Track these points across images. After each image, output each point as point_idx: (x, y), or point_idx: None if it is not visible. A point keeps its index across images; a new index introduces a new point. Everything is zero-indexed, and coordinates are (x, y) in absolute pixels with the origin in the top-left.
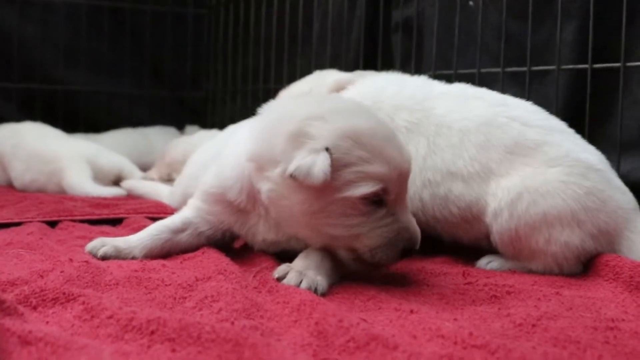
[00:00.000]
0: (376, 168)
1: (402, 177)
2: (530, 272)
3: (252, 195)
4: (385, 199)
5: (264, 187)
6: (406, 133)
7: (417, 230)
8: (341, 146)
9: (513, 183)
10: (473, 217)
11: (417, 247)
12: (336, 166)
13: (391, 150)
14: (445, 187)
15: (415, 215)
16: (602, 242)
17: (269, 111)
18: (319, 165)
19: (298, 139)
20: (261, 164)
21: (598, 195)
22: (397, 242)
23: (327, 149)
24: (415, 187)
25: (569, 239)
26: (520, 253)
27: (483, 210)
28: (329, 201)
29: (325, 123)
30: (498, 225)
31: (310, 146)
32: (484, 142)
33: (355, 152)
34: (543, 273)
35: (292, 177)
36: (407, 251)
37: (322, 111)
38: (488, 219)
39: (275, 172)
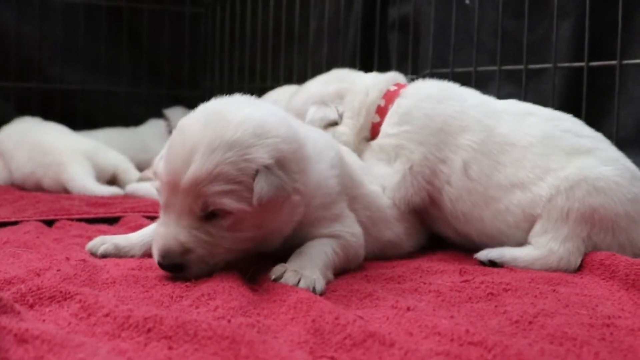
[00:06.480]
0: None
1: None
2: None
3: None
4: None
5: None
6: (472, 152)
7: None
8: None
9: (570, 172)
10: (525, 218)
11: None
12: None
13: None
14: (506, 201)
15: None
16: (628, 252)
17: None
18: None
19: None
20: None
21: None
22: None
23: None
24: (479, 207)
25: (602, 242)
26: (556, 230)
27: (535, 204)
28: None
29: None
30: (551, 205)
31: None
32: (545, 152)
33: None
34: (554, 259)
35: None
36: None
37: None
38: (539, 209)
39: None
